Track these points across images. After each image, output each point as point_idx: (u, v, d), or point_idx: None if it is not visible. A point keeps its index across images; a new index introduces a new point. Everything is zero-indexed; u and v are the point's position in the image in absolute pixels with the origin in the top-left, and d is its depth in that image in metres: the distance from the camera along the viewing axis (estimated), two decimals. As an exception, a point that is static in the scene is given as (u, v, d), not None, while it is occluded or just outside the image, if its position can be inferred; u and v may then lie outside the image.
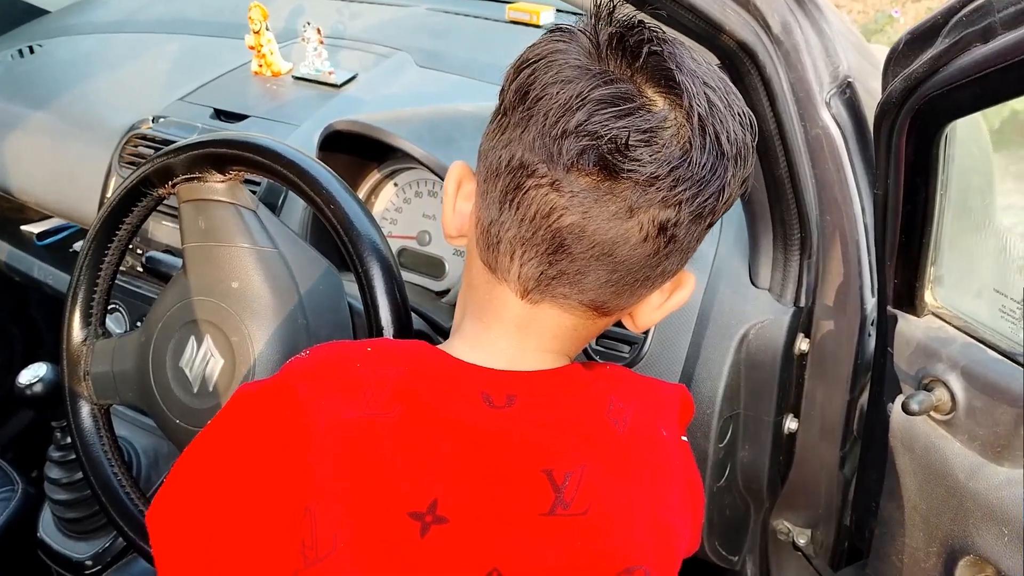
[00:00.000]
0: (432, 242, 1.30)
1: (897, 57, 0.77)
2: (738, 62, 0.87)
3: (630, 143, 0.56)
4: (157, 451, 1.37)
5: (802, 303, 1.03)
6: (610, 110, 0.56)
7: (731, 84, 0.62)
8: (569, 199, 0.58)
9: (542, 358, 0.66)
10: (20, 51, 1.92)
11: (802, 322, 1.04)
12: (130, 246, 1.03)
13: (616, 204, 0.58)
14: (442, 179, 1.18)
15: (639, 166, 0.57)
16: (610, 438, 0.64)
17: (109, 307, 1.12)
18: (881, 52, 0.85)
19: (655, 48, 0.58)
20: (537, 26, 1.61)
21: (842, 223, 0.97)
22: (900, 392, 0.93)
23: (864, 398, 1.08)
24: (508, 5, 1.67)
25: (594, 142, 0.56)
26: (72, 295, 1.01)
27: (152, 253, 1.16)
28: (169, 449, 1.40)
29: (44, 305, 2.13)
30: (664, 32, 0.60)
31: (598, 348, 1.08)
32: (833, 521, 1.16)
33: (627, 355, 1.06)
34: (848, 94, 0.95)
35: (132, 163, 1.48)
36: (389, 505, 0.59)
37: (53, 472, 1.27)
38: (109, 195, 1.38)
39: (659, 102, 0.58)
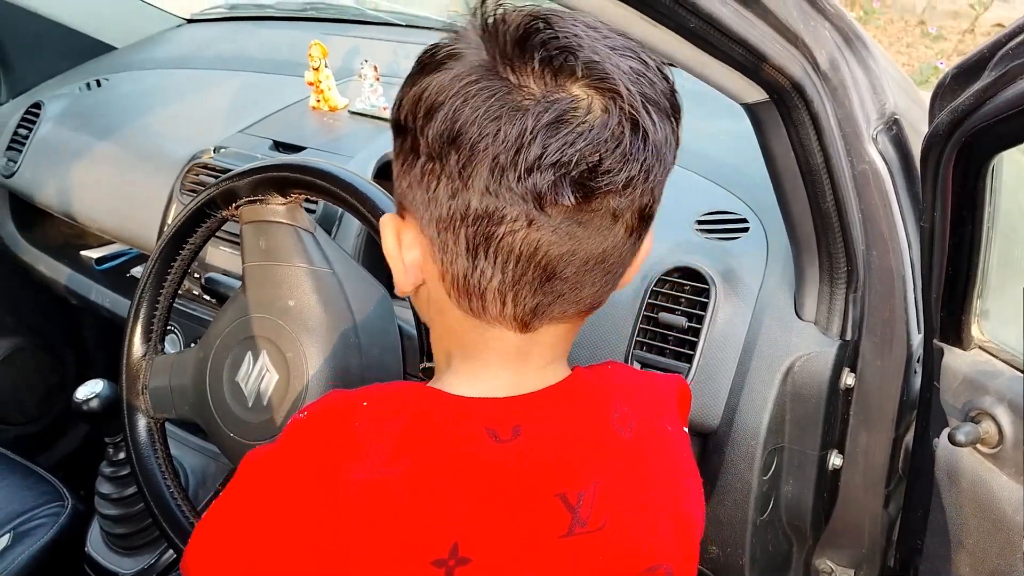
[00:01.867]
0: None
1: (944, 91, 0.79)
2: (786, 97, 0.89)
3: (601, 159, 0.55)
4: (205, 471, 1.40)
5: (848, 336, 1.03)
6: (562, 133, 0.54)
7: (629, 36, 0.60)
8: (551, 233, 0.57)
9: (543, 375, 0.65)
10: (88, 84, 2.00)
11: (848, 356, 1.04)
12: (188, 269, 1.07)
13: (600, 218, 0.57)
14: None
15: (613, 176, 0.55)
16: (618, 447, 0.64)
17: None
18: (927, 99, 0.86)
19: (561, 42, 0.56)
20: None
21: (888, 258, 0.98)
22: (946, 426, 0.93)
23: (909, 436, 1.08)
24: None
25: (562, 171, 0.54)
26: (135, 311, 1.05)
27: (211, 274, 1.20)
28: (216, 468, 1.43)
29: (97, 328, 2.19)
30: (548, 13, 0.58)
31: (642, 377, 1.09)
32: (877, 561, 1.15)
33: (671, 385, 1.07)
34: (895, 130, 0.96)
35: (193, 191, 1.53)
36: (411, 559, 0.59)
37: (104, 487, 1.30)
38: (170, 221, 1.43)
39: (596, 102, 0.55)
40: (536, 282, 0.59)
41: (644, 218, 0.60)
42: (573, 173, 0.54)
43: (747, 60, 0.84)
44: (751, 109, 0.92)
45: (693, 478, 0.71)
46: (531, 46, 0.55)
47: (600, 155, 0.55)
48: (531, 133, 0.54)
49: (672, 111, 0.60)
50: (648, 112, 0.57)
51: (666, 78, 0.60)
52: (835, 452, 1.11)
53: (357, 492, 0.60)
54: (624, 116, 0.56)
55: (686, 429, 0.75)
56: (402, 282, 0.66)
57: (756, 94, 0.89)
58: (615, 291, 0.65)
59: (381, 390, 0.67)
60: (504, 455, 0.61)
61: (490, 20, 0.57)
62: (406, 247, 0.64)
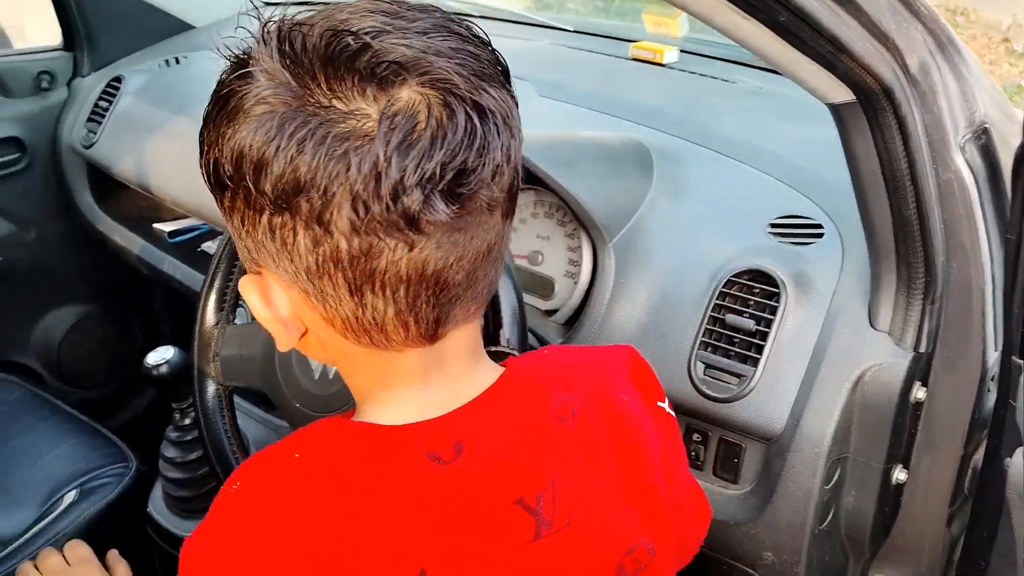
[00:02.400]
0: (543, 262, 1.32)
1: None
2: (873, 99, 0.87)
3: (463, 161, 0.52)
4: (266, 441, 1.41)
5: (922, 348, 1.01)
6: (416, 149, 0.50)
7: (427, 5, 0.56)
8: (436, 248, 0.54)
9: (472, 380, 0.63)
10: (167, 61, 2.05)
11: (920, 369, 1.02)
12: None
13: (478, 215, 0.55)
14: (563, 200, 1.21)
15: (479, 174, 0.53)
16: (565, 439, 0.62)
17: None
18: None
19: (374, 48, 0.52)
20: (661, 64, 1.63)
21: (968, 270, 0.96)
22: (1020, 446, 0.91)
23: (978, 455, 1.05)
24: (632, 43, 1.70)
25: (429, 187, 0.51)
26: (210, 281, 1.07)
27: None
28: (278, 438, 1.46)
29: (166, 299, 2.24)
30: (343, 18, 0.53)
31: (705, 378, 1.08)
32: (936, 580, 1.13)
33: (735, 387, 1.06)
34: (983, 140, 0.94)
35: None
36: None
37: (169, 451, 1.33)
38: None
39: (434, 103, 0.52)
40: (432, 297, 0.56)
41: (514, 195, 0.58)
42: (440, 186, 0.51)
43: (836, 58, 0.83)
44: (836, 110, 0.90)
45: (657, 444, 0.67)
46: (343, 63, 0.51)
47: (461, 158, 0.52)
48: (385, 159, 0.50)
49: (502, 74, 0.57)
50: (486, 91, 0.54)
51: (483, 41, 0.57)
52: (900, 466, 1.09)
53: (314, 549, 0.58)
54: (467, 107, 0.52)
55: (664, 405, 0.72)
56: (286, 340, 0.62)
57: (843, 94, 0.87)
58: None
59: (308, 437, 0.63)
60: (451, 475, 0.59)
61: (286, 48, 0.52)
62: (277, 305, 0.60)
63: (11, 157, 1.96)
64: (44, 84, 1.99)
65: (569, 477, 0.62)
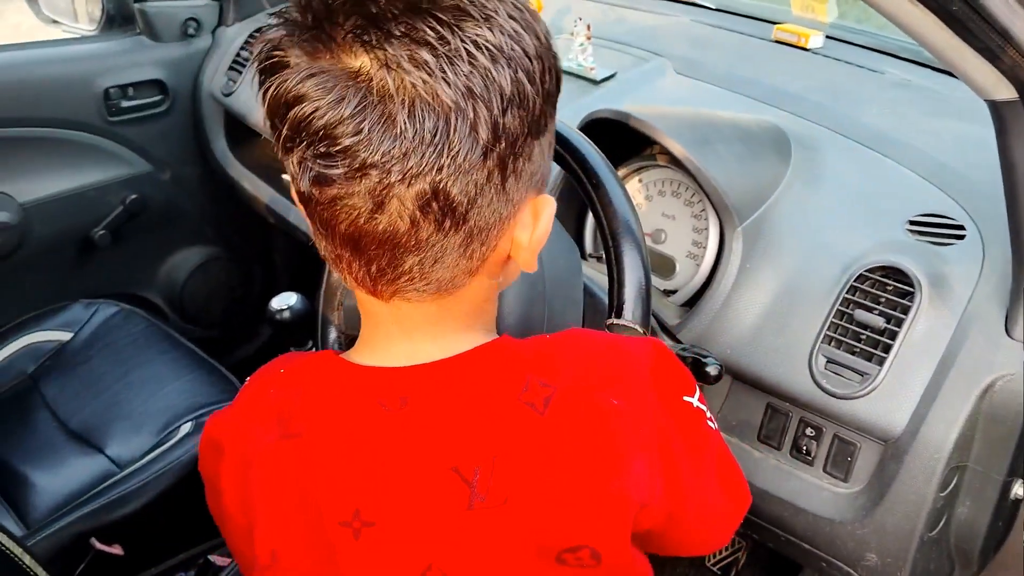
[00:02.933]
0: (667, 241, 1.32)
1: None
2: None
3: (337, 139, 0.53)
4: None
5: (1059, 362, 0.97)
6: (321, 103, 0.53)
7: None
8: (330, 211, 0.57)
9: (439, 345, 0.65)
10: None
11: (1055, 383, 0.98)
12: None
13: (364, 201, 0.56)
14: (694, 179, 1.20)
15: (353, 161, 0.54)
16: (525, 422, 0.61)
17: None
18: None
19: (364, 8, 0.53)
20: (805, 48, 1.59)
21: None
22: None
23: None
24: (776, 26, 1.66)
25: (308, 151, 0.54)
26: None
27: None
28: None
29: (287, 248, 2.31)
30: None
31: (826, 372, 1.06)
32: (1046, 603, 1.09)
33: (857, 385, 1.03)
34: None
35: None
36: (319, 517, 0.63)
37: (285, 394, 1.38)
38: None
39: (371, 72, 0.53)
40: (347, 252, 0.60)
41: (426, 207, 0.58)
42: (314, 153, 0.56)
43: (1003, 52, 0.80)
44: (996, 107, 0.87)
45: (648, 453, 0.64)
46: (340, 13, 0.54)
47: (340, 132, 0.55)
48: (297, 98, 0.55)
49: (465, 101, 0.54)
50: (407, 101, 0.54)
51: (474, 52, 0.54)
52: (1021, 481, 1.05)
53: (261, 455, 0.66)
54: (379, 98, 0.54)
55: (692, 399, 0.69)
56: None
57: (1005, 91, 0.84)
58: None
59: (297, 360, 0.70)
60: (392, 425, 0.62)
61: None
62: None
63: (154, 99, 2.04)
64: (190, 31, 2.06)
65: (515, 459, 0.61)
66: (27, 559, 0.92)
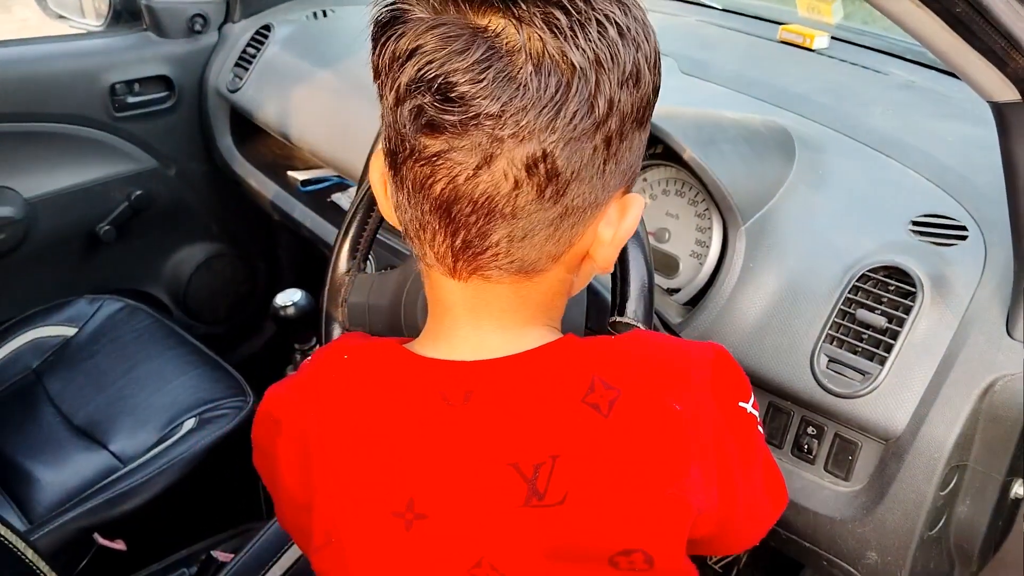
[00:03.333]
0: (670, 240, 1.32)
1: None
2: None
3: (455, 87, 0.53)
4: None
5: (1060, 363, 0.97)
6: (441, 53, 0.53)
7: None
8: (431, 167, 0.56)
9: (507, 338, 0.65)
10: (315, 13, 2.10)
11: (1056, 384, 0.98)
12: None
13: (470, 156, 0.55)
14: (698, 179, 1.20)
15: (469, 109, 0.53)
16: (588, 423, 0.61)
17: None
18: None
19: None
20: (810, 49, 1.59)
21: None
22: None
23: (1108, 480, 1.01)
24: (782, 26, 1.66)
25: (424, 98, 0.54)
26: (345, 229, 1.10)
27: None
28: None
29: (292, 245, 2.31)
30: None
31: (828, 371, 1.06)
32: (1045, 603, 1.09)
33: (858, 384, 1.04)
34: None
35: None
36: (373, 506, 0.64)
37: (288, 389, 1.38)
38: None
39: (498, 28, 0.53)
40: (436, 220, 0.59)
41: (533, 169, 0.58)
42: (428, 99, 0.56)
43: (1007, 55, 0.80)
44: (999, 109, 0.87)
45: (705, 460, 0.64)
46: None
47: (460, 80, 0.54)
48: (411, 52, 0.55)
49: (593, 68, 0.55)
50: (544, 60, 0.54)
51: (603, 28, 0.55)
52: (1021, 481, 1.05)
53: (320, 438, 0.66)
54: (512, 51, 0.54)
55: (747, 405, 0.69)
56: (388, 217, 0.67)
57: (1008, 93, 0.84)
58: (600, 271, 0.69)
59: (362, 346, 0.70)
60: (454, 419, 0.62)
61: None
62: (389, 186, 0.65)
63: (160, 95, 2.05)
64: (197, 27, 2.07)
65: (576, 460, 0.61)
66: (30, 553, 0.93)
